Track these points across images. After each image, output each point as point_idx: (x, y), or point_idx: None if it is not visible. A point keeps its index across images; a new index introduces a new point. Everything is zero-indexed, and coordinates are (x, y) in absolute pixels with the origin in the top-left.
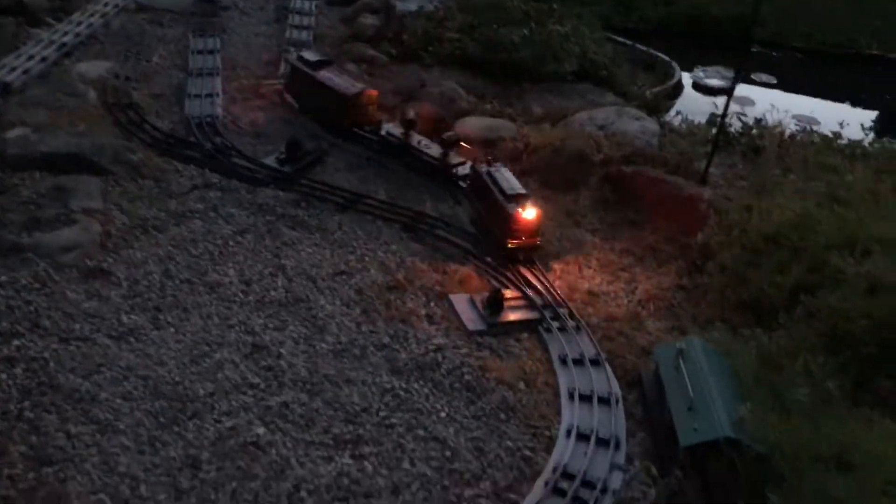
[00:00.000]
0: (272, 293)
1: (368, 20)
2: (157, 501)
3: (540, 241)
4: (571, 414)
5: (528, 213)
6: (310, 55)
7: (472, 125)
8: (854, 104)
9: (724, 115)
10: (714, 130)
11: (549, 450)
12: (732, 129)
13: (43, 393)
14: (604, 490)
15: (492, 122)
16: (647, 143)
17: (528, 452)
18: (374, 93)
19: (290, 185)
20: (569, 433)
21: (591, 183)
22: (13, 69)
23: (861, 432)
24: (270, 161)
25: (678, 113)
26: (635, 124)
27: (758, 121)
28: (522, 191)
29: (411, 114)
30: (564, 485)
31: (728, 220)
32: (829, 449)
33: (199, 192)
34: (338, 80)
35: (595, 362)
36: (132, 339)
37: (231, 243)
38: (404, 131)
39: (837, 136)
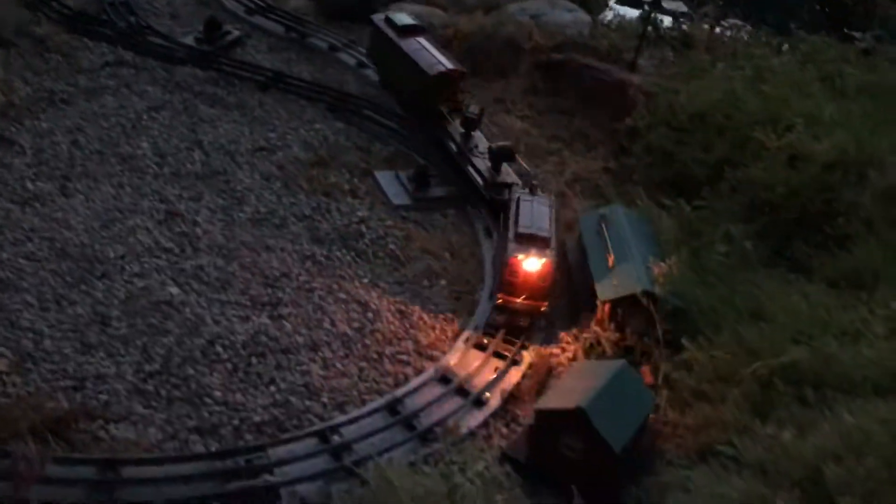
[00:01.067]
0: (188, 166)
1: None
2: (62, 355)
3: (546, 308)
4: (494, 281)
5: (532, 262)
6: (401, 18)
7: (403, 11)
8: None
9: (652, 8)
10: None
11: (472, 312)
12: (663, 25)
13: None
14: (524, 347)
15: (421, 10)
16: (578, 32)
17: (450, 314)
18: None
19: (209, 63)
20: (491, 296)
21: (521, 70)
22: None
23: (777, 289)
24: (188, 40)
25: (610, 9)
26: (567, 15)
27: (688, 16)
28: (542, 233)
29: (476, 109)
30: (486, 341)
31: (656, 104)
32: (745, 303)
33: (111, 69)
34: (425, 52)
35: None
36: (37, 205)
37: (145, 118)
38: (465, 131)
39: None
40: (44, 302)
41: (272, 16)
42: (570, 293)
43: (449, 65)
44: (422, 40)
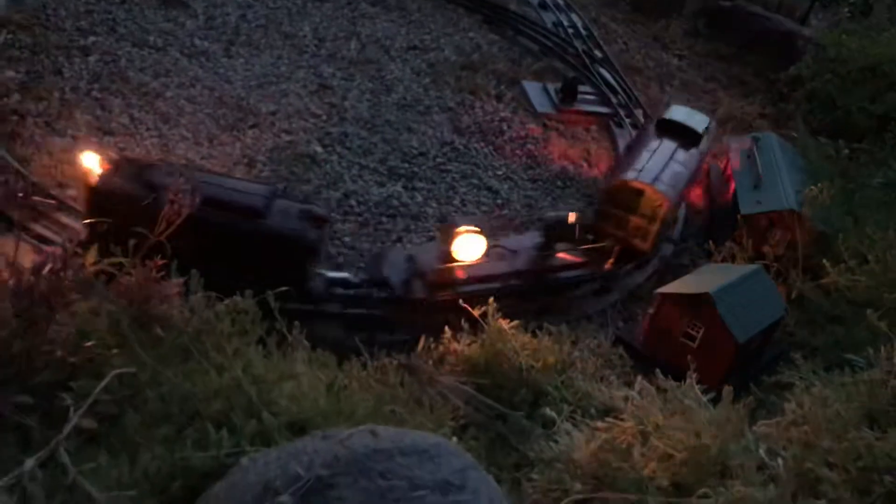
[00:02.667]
0: (344, 52)
1: None
2: None
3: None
4: None
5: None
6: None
7: None
8: None
9: None
10: None
11: None
12: None
13: (112, 81)
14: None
15: None
16: None
17: (579, 213)
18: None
19: None
20: None
21: (685, 13)
22: None
23: None
24: None
25: None
26: None
27: None
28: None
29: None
30: None
31: (825, 55)
32: None
33: None
34: None
35: None
36: (203, 59)
37: (309, 5)
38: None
39: None
40: (198, 137)
41: None
42: (709, 214)
43: None
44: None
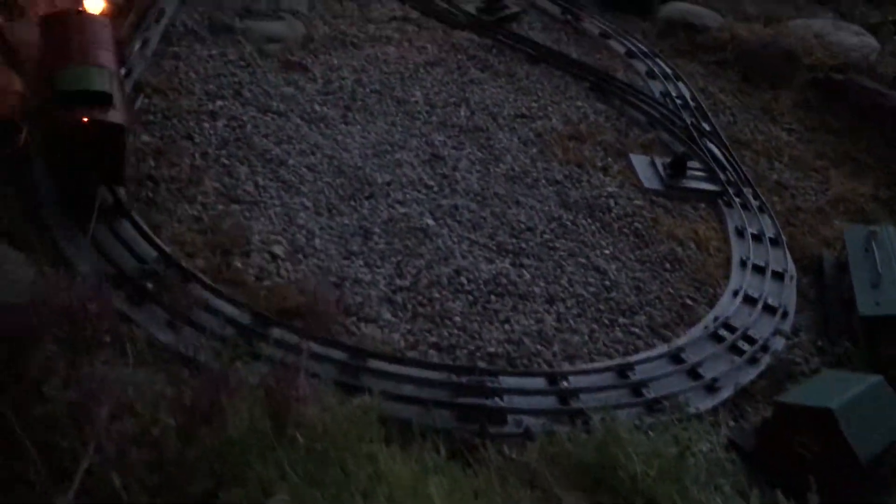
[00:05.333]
0: (454, 119)
1: None
2: (328, 255)
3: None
4: (741, 278)
5: None
6: None
7: (676, 8)
8: None
9: None
10: None
11: (711, 304)
12: None
13: (239, 147)
14: (764, 348)
15: (700, 10)
16: (863, 57)
17: (689, 301)
18: None
19: (485, 31)
20: (735, 293)
21: (795, 84)
22: None
23: None
24: (469, 8)
25: None
26: (853, 38)
27: None
28: None
29: None
30: (724, 333)
31: None
32: None
33: (397, 23)
34: None
35: (774, 241)
36: (322, 125)
37: (421, 71)
38: None
39: None
40: (318, 207)
41: None
42: (823, 306)
43: None
44: None
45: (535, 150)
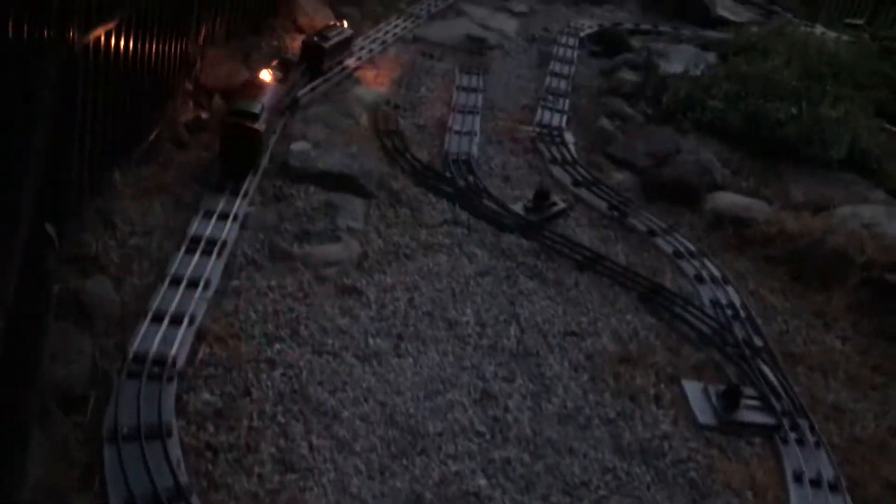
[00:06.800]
0: (504, 341)
1: (628, 76)
2: None
3: None
4: None
5: None
6: None
7: (724, 202)
8: None
9: None
10: None
11: None
12: None
13: (294, 401)
14: None
15: (747, 202)
16: None
17: None
18: None
19: (533, 234)
20: None
21: (848, 285)
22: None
23: None
24: (517, 208)
25: None
26: None
27: None
28: None
29: None
30: None
31: None
32: None
33: (448, 227)
34: None
35: (833, 486)
36: (375, 363)
37: (472, 283)
38: None
39: None
40: (371, 470)
41: (596, 189)
42: None
43: None
44: None
45: (585, 378)
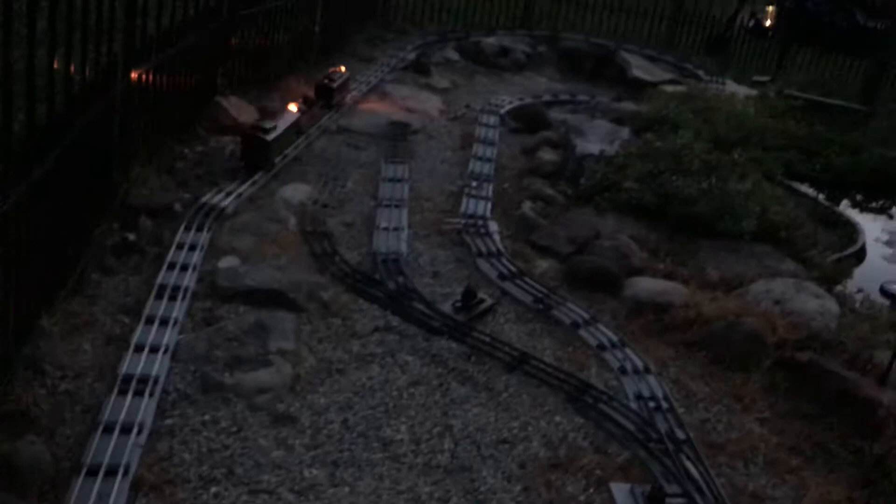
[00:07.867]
0: (439, 456)
1: (548, 155)
2: None
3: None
4: None
5: None
6: None
7: (642, 287)
8: None
9: None
10: None
11: None
12: None
13: None
14: None
15: (664, 286)
16: (825, 326)
17: None
18: None
19: (462, 335)
20: None
21: (763, 366)
22: (229, 194)
23: None
24: (447, 308)
25: (859, 290)
26: (814, 303)
27: None
28: None
29: None
30: None
31: None
32: None
33: (379, 334)
34: None
35: None
36: (311, 496)
37: (405, 395)
38: None
39: None
40: None
41: (520, 283)
42: None
43: None
44: None
45: (519, 489)
